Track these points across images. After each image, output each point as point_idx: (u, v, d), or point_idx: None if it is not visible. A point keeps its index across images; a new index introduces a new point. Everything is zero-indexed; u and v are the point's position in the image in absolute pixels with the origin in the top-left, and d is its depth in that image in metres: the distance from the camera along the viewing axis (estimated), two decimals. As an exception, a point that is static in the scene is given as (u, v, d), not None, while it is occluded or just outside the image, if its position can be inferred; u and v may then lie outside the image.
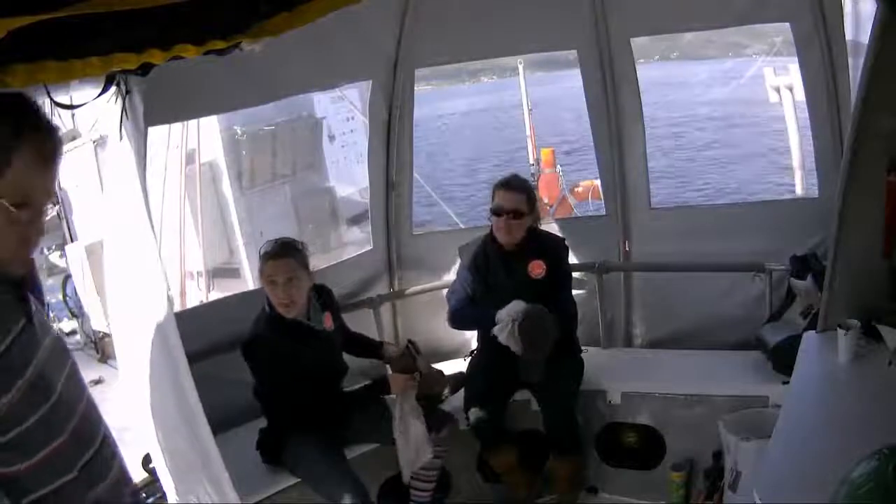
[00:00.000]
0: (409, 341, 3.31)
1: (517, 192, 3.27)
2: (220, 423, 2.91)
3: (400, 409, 3.02)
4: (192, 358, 2.47)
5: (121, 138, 2.45)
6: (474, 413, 3.23)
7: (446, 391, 3.35)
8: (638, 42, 4.01)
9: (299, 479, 2.95)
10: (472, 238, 3.52)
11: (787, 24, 3.53)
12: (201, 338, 3.18)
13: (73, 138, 7.31)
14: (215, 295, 7.06)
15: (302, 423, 2.92)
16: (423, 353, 3.27)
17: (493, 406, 3.27)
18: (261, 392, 3.04)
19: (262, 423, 3.10)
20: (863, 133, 2.40)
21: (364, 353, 3.37)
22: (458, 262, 3.55)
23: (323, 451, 2.92)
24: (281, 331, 2.92)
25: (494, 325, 3.19)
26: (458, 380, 3.44)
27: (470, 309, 3.38)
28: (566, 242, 3.54)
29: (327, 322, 3.08)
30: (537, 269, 3.31)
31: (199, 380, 2.46)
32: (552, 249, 3.38)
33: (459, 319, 3.47)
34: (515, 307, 3.16)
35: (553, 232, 3.74)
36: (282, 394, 2.93)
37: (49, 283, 7.90)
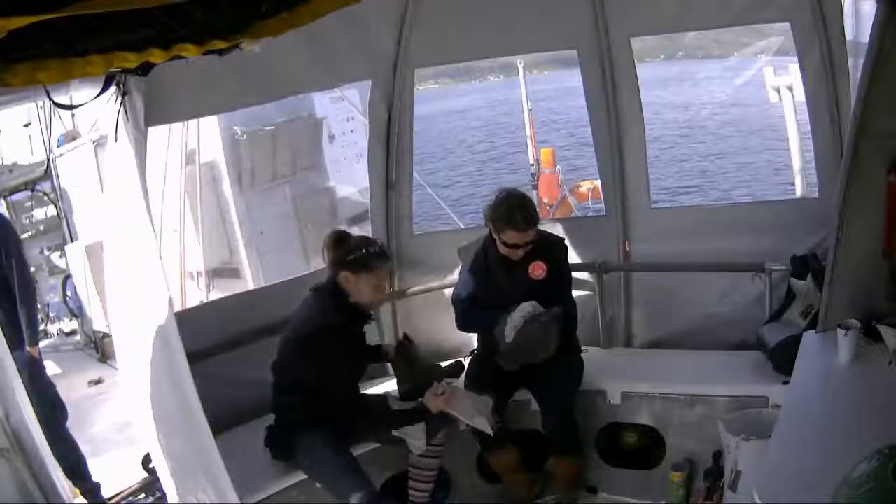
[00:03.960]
0: (404, 334, 3.36)
1: (527, 229, 3.18)
2: (220, 423, 2.92)
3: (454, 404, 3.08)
4: (193, 357, 2.48)
5: (117, 139, 2.45)
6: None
7: (447, 381, 3.36)
8: (643, 41, 4.00)
9: (299, 480, 2.96)
10: (471, 238, 3.52)
11: (788, 24, 3.53)
12: (202, 338, 3.19)
13: (73, 138, 7.31)
14: (215, 295, 7.05)
15: (318, 421, 2.92)
16: (413, 342, 3.30)
17: (493, 406, 3.27)
18: (316, 376, 2.98)
19: (262, 422, 3.09)
20: (863, 133, 2.40)
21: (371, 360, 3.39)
22: (460, 263, 3.55)
23: (336, 450, 2.93)
24: (350, 320, 3.00)
25: (500, 327, 3.20)
26: (455, 367, 3.45)
27: (476, 312, 3.38)
28: (566, 242, 3.53)
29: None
30: (538, 270, 3.30)
31: (199, 379, 2.46)
32: (552, 250, 3.38)
33: (467, 324, 3.48)
34: (523, 311, 3.17)
35: (553, 232, 3.73)
36: (335, 383, 2.94)
37: (49, 283, 7.90)
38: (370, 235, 3.19)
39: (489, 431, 3.07)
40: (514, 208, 3.19)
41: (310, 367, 2.91)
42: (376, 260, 2.95)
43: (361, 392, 3.29)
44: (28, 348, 3.75)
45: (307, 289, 3.07)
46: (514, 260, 3.28)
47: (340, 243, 2.99)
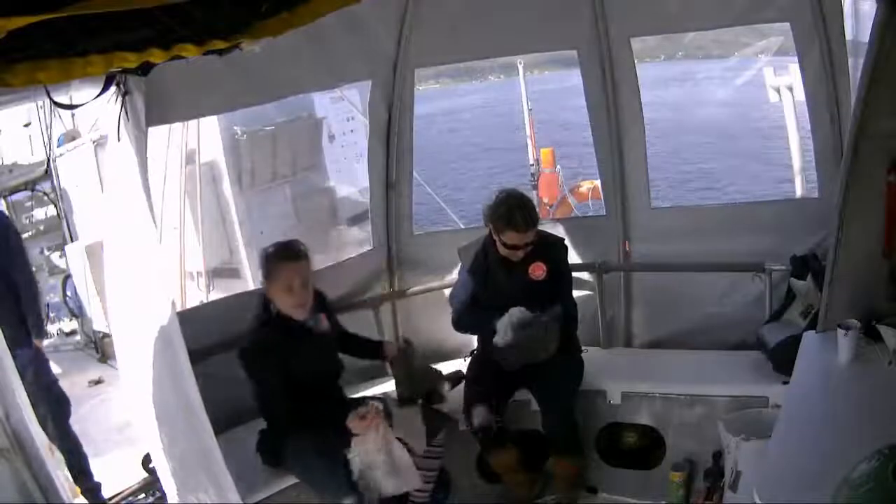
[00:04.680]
0: (405, 339, 3.32)
1: (527, 230, 3.18)
2: (221, 423, 2.92)
3: (370, 437, 2.87)
4: (194, 357, 2.48)
5: (119, 139, 2.45)
6: (478, 414, 3.23)
7: (446, 387, 3.35)
8: (644, 41, 3.99)
9: (299, 480, 2.96)
10: (471, 238, 3.52)
11: (788, 24, 3.53)
12: (202, 337, 3.19)
13: (73, 138, 7.31)
14: (215, 295, 7.06)
15: (302, 425, 2.92)
16: (414, 348, 3.27)
17: (493, 406, 3.27)
18: (262, 394, 3.02)
19: (261, 423, 3.09)
20: (863, 133, 2.40)
21: (365, 354, 3.38)
22: (459, 263, 3.55)
23: (322, 453, 2.91)
24: (286, 334, 2.91)
25: (496, 331, 3.20)
26: (456, 376, 3.44)
27: (473, 313, 3.38)
28: (566, 242, 3.53)
29: (323, 323, 3.09)
30: (538, 270, 3.30)
31: (200, 379, 2.46)
32: (552, 250, 3.38)
33: (463, 324, 3.47)
34: (513, 316, 3.16)
35: (553, 232, 3.73)
36: (284, 396, 2.90)
37: (49, 283, 7.90)
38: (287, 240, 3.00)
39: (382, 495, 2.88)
40: (513, 209, 3.18)
41: (249, 381, 2.94)
42: (275, 263, 2.88)
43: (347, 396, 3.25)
44: (35, 341, 3.77)
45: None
46: (514, 260, 3.28)
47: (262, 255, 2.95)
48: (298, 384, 2.89)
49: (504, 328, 3.17)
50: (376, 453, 2.84)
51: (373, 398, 3.24)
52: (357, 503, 2.78)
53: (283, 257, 2.90)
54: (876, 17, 2.23)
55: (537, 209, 3.39)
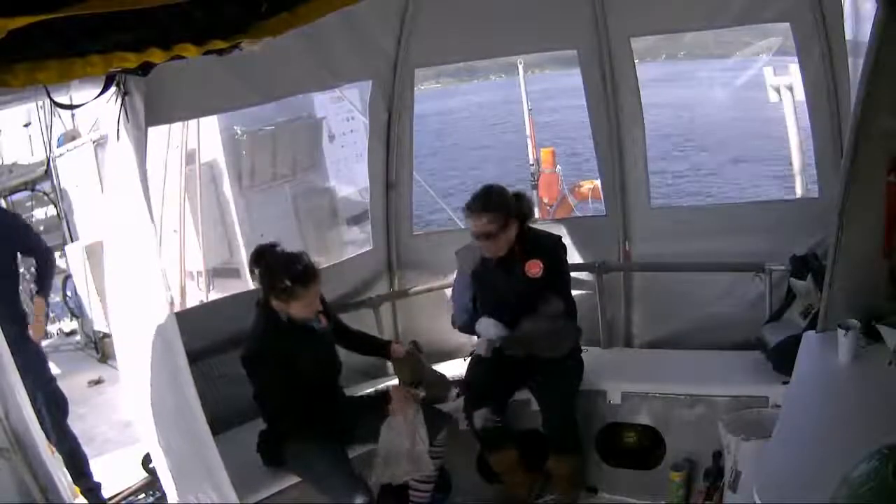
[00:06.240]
0: (413, 342, 3.33)
1: (481, 214, 3.20)
2: (221, 423, 2.92)
3: (402, 419, 3.03)
4: (192, 357, 2.48)
5: (118, 138, 2.45)
6: (480, 416, 3.23)
7: (454, 392, 3.35)
8: (644, 41, 3.98)
9: (299, 480, 2.96)
10: (469, 240, 3.52)
11: (788, 24, 3.53)
12: (202, 338, 3.19)
13: (73, 138, 7.31)
14: (215, 295, 7.06)
15: (303, 424, 2.92)
16: (423, 352, 3.30)
17: (493, 406, 3.27)
18: (266, 397, 3.01)
19: (261, 423, 3.09)
20: (863, 133, 2.40)
21: (371, 352, 3.40)
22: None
23: (325, 452, 2.92)
24: (290, 338, 2.91)
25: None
26: (463, 382, 3.44)
27: (472, 315, 3.39)
28: (564, 241, 3.53)
29: (324, 322, 3.10)
30: (534, 268, 3.30)
31: (199, 379, 2.46)
32: (548, 248, 3.38)
33: (464, 326, 3.48)
34: (488, 329, 3.26)
35: (550, 230, 3.73)
36: (288, 397, 2.90)
37: (49, 283, 7.89)
38: (300, 251, 2.96)
39: (392, 481, 3.06)
40: (475, 196, 3.26)
41: (256, 387, 2.96)
42: (301, 286, 2.85)
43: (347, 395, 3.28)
44: (36, 297, 3.84)
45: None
46: (509, 259, 3.28)
47: (263, 263, 2.92)
48: (301, 385, 2.89)
49: (482, 338, 3.25)
50: (403, 439, 2.99)
51: (376, 397, 3.25)
52: (359, 503, 2.78)
53: (310, 280, 2.87)
54: (876, 17, 2.23)
55: (533, 205, 3.40)
